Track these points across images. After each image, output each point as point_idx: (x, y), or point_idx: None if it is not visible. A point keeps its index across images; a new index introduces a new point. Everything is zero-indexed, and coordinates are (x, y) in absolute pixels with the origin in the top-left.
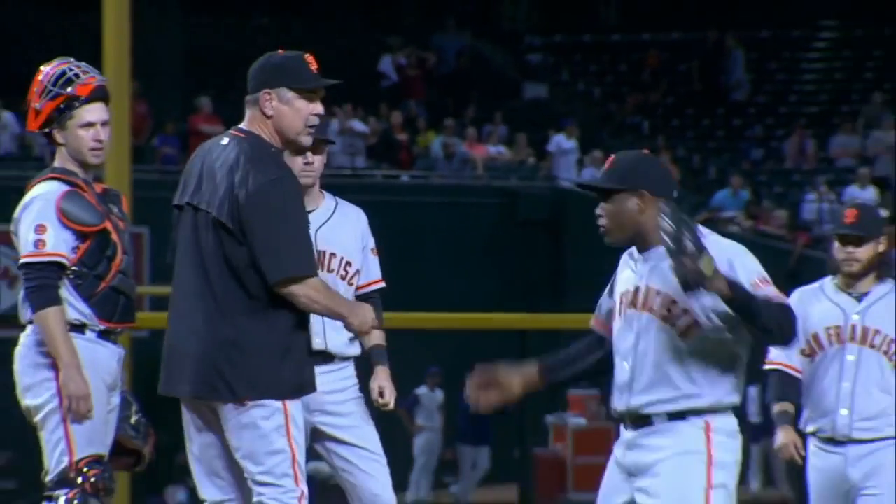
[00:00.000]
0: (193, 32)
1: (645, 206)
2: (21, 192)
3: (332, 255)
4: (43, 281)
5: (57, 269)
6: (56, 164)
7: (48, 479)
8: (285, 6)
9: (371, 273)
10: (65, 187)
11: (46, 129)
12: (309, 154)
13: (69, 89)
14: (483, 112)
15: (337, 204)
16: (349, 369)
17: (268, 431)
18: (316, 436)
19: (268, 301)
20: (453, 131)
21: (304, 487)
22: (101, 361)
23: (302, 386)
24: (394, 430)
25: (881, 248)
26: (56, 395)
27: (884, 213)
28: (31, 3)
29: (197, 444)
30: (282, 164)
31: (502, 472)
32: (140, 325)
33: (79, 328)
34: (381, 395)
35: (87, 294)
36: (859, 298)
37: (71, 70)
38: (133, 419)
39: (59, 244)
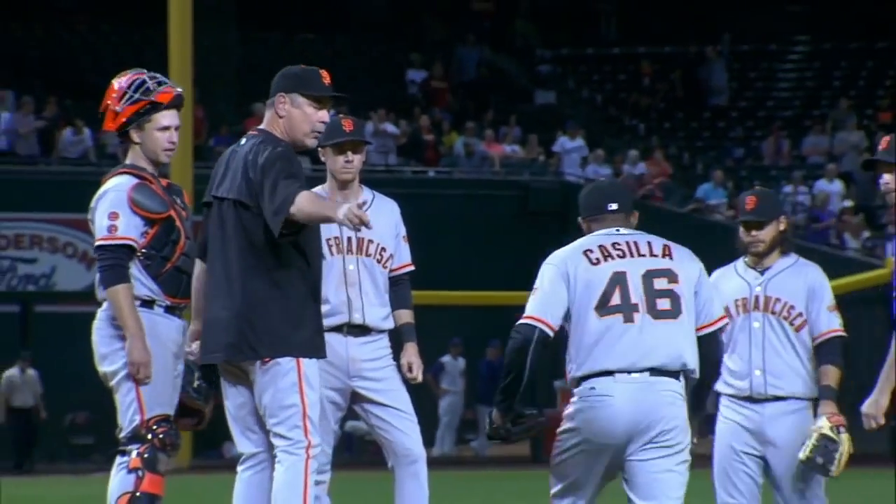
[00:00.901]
0: (247, 46)
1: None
2: (97, 186)
3: (370, 241)
4: (115, 261)
5: (127, 251)
6: (128, 161)
7: (122, 435)
8: (328, 23)
9: (402, 257)
10: (135, 180)
11: (124, 129)
12: (349, 153)
13: (151, 96)
14: (499, 116)
15: (374, 197)
16: (384, 340)
17: (283, 387)
18: (355, 398)
19: (283, 275)
20: (474, 133)
21: (312, 438)
22: (167, 333)
23: (315, 349)
24: (421, 393)
25: (782, 227)
26: (125, 361)
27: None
28: (106, 19)
29: (232, 404)
30: (289, 147)
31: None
32: None
33: (148, 303)
34: (410, 369)
35: (155, 273)
36: (763, 272)
37: (151, 80)
38: (195, 384)
39: (130, 229)
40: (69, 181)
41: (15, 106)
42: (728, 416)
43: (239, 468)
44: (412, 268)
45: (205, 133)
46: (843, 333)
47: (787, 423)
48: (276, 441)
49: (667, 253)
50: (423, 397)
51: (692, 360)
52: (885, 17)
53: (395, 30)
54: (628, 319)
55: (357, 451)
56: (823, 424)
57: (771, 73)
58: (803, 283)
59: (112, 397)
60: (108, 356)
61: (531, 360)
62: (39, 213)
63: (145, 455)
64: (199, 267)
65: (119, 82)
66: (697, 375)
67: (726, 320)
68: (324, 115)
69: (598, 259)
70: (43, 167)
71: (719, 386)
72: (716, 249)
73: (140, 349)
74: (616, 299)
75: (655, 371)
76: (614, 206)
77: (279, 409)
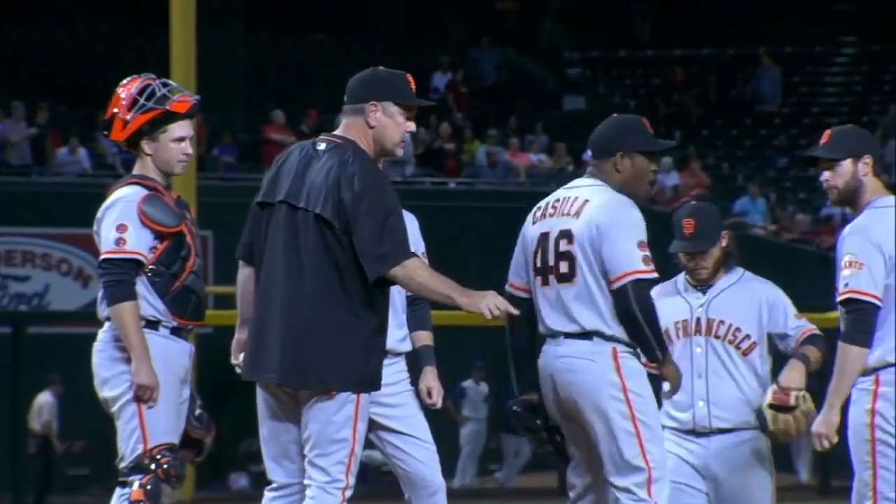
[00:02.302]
0: (255, 48)
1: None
2: (94, 198)
3: None
4: (121, 277)
5: (135, 266)
6: (135, 171)
7: (123, 465)
8: (341, 24)
9: None
10: (145, 191)
11: (135, 140)
12: None
13: (166, 104)
14: (525, 123)
15: None
16: (401, 364)
17: (337, 420)
18: (371, 426)
19: (361, 300)
20: (497, 141)
21: (352, 481)
22: (173, 356)
23: (375, 381)
24: (441, 420)
25: (724, 243)
26: (132, 387)
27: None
28: (106, 22)
29: (269, 428)
30: (381, 170)
31: (543, 460)
32: (205, 322)
33: (153, 324)
34: (429, 395)
35: (163, 292)
36: (705, 291)
37: (164, 87)
38: (197, 412)
39: (139, 243)
40: (64, 193)
41: (4, 112)
42: (670, 449)
43: (268, 494)
44: None
45: (205, 141)
46: (819, 332)
47: (734, 457)
48: (314, 473)
49: (578, 211)
50: (444, 425)
51: (598, 323)
52: None
53: (414, 31)
54: (545, 283)
55: (372, 482)
56: (767, 398)
57: (816, 77)
58: (750, 302)
59: (112, 425)
60: (109, 380)
61: (516, 328)
62: (32, 227)
63: (148, 486)
64: (245, 272)
65: (127, 89)
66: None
67: (632, 277)
68: (412, 125)
69: (535, 219)
70: (36, 178)
71: (662, 419)
72: (756, 267)
73: (147, 371)
74: (538, 262)
75: (569, 335)
76: (588, 154)
77: (329, 442)
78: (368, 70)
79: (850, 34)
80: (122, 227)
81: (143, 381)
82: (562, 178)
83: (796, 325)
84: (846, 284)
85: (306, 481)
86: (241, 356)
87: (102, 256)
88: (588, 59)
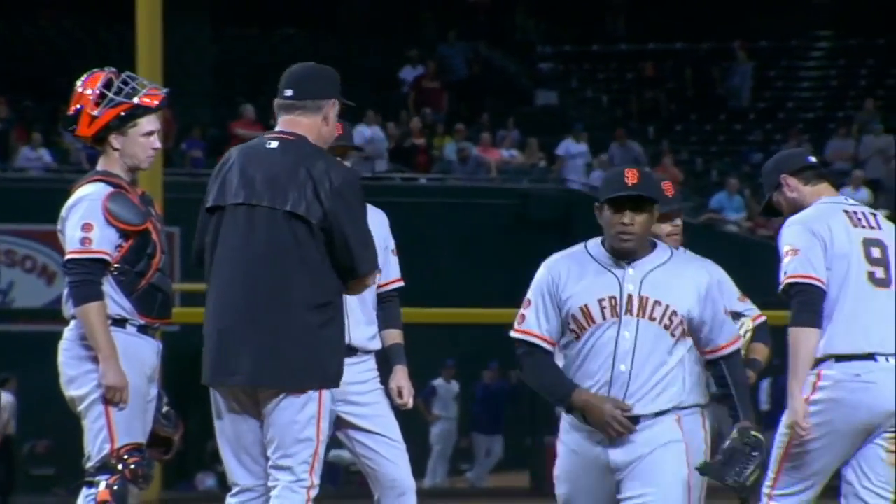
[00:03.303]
0: (222, 43)
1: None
2: (58, 194)
3: None
4: (87, 277)
5: (101, 265)
6: (99, 167)
7: (89, 465)
8: (310, 19)
9: (391, 272)
10: (109, 188)
11: (102, 135)
12: (339, 158)
13: (134, 98)
14: (497, 118)
15: None
16: (371, 362)
17: (301, 419)
18: (339, 424)
19: (326, 297)
20: (467, 136)
21: (316, 481)
22: (140, 354)
23: (337, 378)
24: (411, 419)
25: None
26: (98, 386)
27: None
28: (70, 16)
29: (232, 431)
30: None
31: (515, 459)
32: (172, 320)
33: (120, 323)
34: (399, 394)
35: (129, 290)
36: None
37: (132, 80)
38: (164, 409)
39: (104, 242)
40: (28, 189)
41: None
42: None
43: (231, 500)
44: (401, 283)
45: (173, 136)
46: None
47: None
48: (279, 474)
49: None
50: (414, 424)
51: None
52: None
53: (383, 25)
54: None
55: (341, 482)
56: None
57: (792, 71)
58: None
59: (77, 424)
60: (76, 379)
61: None
62: None
63: (115, 487)
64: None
65: (91, 85)
66: None
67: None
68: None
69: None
70: None
71: None
72: (731, 263)
73: (115, 371)
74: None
75: None
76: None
77: (293, 442)
78: (315, 66)
79: (825, 28)
80: (87, 227)
81: (112, 381)
82: (534, 175)
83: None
84: (785, 272)
85: (271, 483)
86: None
87: (68, 256)
88: (560, 53)
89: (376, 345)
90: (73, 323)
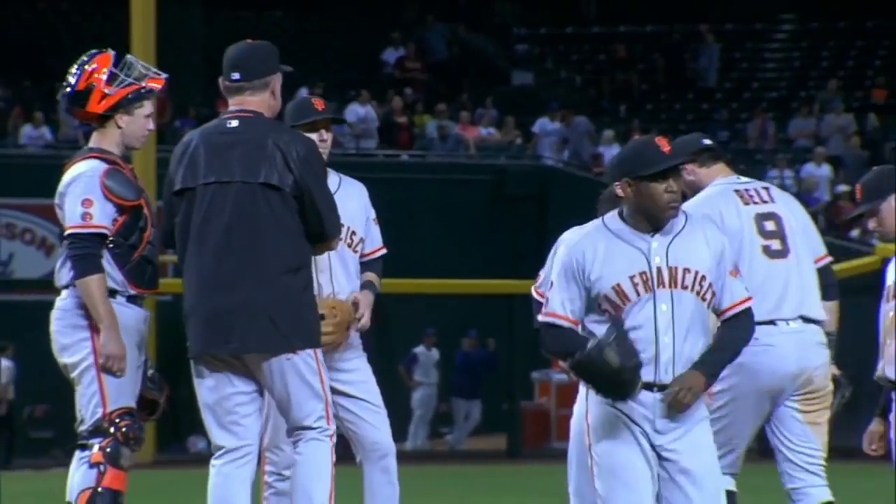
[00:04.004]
0: (213, 26)
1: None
2: (56, 170)
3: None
4: (88, 250)
5: (100, 239)
6: (93, 144)
7: (82, 428)
8: (297, 2)
9: (374, 241)
10: (106, 165)
11: (110, 113)
12: (323, 131)
13: (143, 81)
14: (475, 97)
15: (340, 179)
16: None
17: (309, 378)
18: None
19: (302, 261)
20: (447, 115)
21: (333, 426)
22: (130, 323)
23: (319, 336)
24: (394, 385)
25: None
26: (91, 353)
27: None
28: (67, 0)
29: (216, 395)
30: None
31: (492, 423)
32: (165, 289)
33: (111, 294)
34: (356, 305)
35: (123, 262)
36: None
37: (137, 63)
38: (149, 373)
39: (104, 217)
40: (27, 165)
41: None
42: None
43: (216, 462)
44: (384, 251)
45: (169, 115)
46: None
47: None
48: (302, 432)
49: None
50: (396, 389)
51: None
52: None
53: (368, 8)
54: None
55: None
56: None
57: (756, 53)
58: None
59: (72, 389)
60: (69, 347)
61: None
62: None
63: (108, 449)
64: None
65: (103, 63)
66: None
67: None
68: None
69: None
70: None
71: None
72: None
73: (115, 341)
74: None
75: None
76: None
77: (306, 399)
78: (254, 44)
79: (789, 12)
80: (87, 202)
81: (112, 351)
82: (511, 152)
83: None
84: None
85: (293, 438)
86: None
87: (69, 231)
88: (536, 35)
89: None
90: (65, 293)
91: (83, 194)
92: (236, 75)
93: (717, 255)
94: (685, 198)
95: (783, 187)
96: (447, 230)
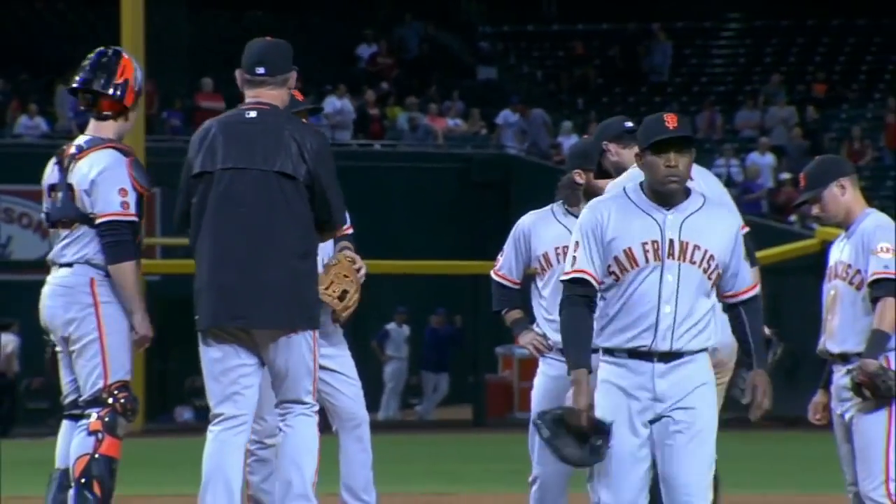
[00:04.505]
0: (196, 24)
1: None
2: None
3: None
4: (125, 237)
5: (132, 227)
6: (97, 134)
7: (82, 398)
8: (277, 2)
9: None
10: (126, 156)
11: (131, 107)
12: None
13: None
14: (443, 91)
15: None
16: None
17: (305, 355)
18: None
19: (310, 247)
20: (417, 107)
21: (316, 404)
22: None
23: (319, 319)
24: (367, 359)
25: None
26: (97, 328)
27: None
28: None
29: (221, 367)
30: None
31: (459, 394)
32: (155, 270)
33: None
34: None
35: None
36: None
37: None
38: None
39: (135, 206)
40: (24, 154)
41: None
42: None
43: (214, 428)
44: (352, 230)
45: (156, 106)
46: None
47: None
48: (291, 405)
49: None
50: (369, 363)
51: None
52: None
53: (343, 8)
54: None
55: None
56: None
57: (705, 49)
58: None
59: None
60: (75, 321)
61: None
62: None
63: (106, 419)
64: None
65: (129, 62)
66: None
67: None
68: None
69: None
70: None
71: None
72: None
73: (147, 323)
74: None
75: None
76: None
77: (303, 374)
78: (276, 42)
79: (735, 11)
80: (123, 192)
81: (145, 331)
82: (476, 142)
83: None
84: None
85: (282, 411)
86: None
87: (109, 218)
88: (500, 33)
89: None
90: (67, 270)
91: (119, 183)
92: (261, 70)
93: (731, 239)
94: (611, 176)
95: (730, 175)
96: (417, 215)
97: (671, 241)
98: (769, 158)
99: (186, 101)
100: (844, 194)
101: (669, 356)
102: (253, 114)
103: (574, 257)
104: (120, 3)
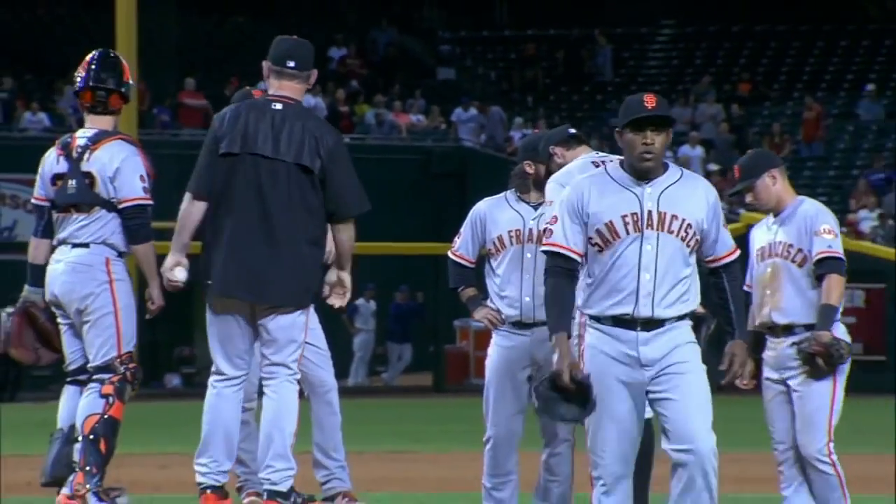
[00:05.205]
0: (185, 27)
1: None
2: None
3: None
4: (147, 220)
5: (149, 210)
6: (107, 127)
7: (91, 365)
8: (258, 9)
9: None
10: (134, 146)
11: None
12: None
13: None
14: (406, 90)
15: None
16: None
17: (298, 326)
18: None
19: (320, 236)
20: (383, 104)
21: (298, 373)
22: (129, 279)
23: (317, 298)
24: (338, 331)
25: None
26: (111, 302)
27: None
28: (61, 4)
29: (225, 333)
30: None
31: (420, 363)
32: None
33: (120, 255)
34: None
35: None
36: (536, 208)
37: None
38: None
39: (151, 192)
40: (29, 146)
41: None
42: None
43: (217, 383)
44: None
45: (147, 102)
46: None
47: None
48: (276, 369)
49: None
50: (339, 335)
51: None
52: (739, 4)
53: (316, 14)
54: None
55: None
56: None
57: (642, 52)
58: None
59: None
60: (94, 295)
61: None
62: (3, 173)
63: (117, 384)
64: (198, 206)
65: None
66: None
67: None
68: None
69: None
70: (6, 134)
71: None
72: None
73: (161, 295)
74: None
75: None
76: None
77: (289, 343)
78: (304, 41)
79: (668, 18)
80: (143, 178)
81: (161, 302)
82: (436, 136)
83: None
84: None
85: (266, 375)
86: (177, 270)
87: (134, 203)
88: (458, 37)
89: None
90: (83, 250)
91: (139, 170)
92: (291, 63)
93: (710, 207)
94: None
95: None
96: (383, 201)
97: (649, 213)
98: (699, 151)
99: (173, 99)
100: (775, 184)
101: (651, 323)
102: (279, 106)
103: (551, 230)
104: (114, 8)
